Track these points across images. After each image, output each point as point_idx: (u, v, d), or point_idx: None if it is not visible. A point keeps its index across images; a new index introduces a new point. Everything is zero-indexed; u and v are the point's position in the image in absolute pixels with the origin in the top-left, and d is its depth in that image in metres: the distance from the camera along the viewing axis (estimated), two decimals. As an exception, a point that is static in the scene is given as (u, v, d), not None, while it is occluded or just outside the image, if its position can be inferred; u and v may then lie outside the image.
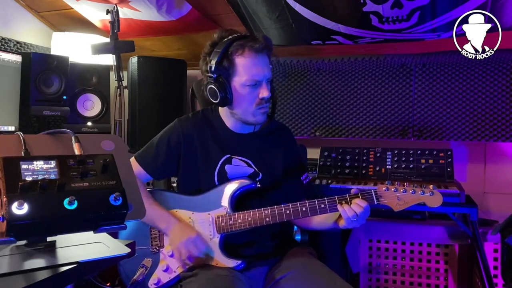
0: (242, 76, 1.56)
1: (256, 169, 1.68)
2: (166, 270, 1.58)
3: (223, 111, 1.71)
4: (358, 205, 1.49)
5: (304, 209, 1.55)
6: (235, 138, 1.70)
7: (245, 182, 1.63)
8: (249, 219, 1.56)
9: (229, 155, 1.67)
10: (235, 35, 1.59)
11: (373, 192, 1.52)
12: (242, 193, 1.63)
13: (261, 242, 1.65)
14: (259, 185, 1.66)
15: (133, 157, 1.70)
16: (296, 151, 1.82)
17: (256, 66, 1.56)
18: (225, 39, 1.58)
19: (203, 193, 1.65)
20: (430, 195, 1.50)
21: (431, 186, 1.51)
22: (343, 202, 1.51)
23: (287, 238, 1.79)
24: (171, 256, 1.60)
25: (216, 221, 1.59)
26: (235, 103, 1.61)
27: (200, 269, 1.55)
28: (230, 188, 1.62)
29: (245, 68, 1.56)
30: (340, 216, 1.54)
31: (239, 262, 1.56)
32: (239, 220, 1.57)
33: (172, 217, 1.62)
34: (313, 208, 1.54)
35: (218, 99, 1.58)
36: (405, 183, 1.54)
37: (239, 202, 1.63)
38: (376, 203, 1.51)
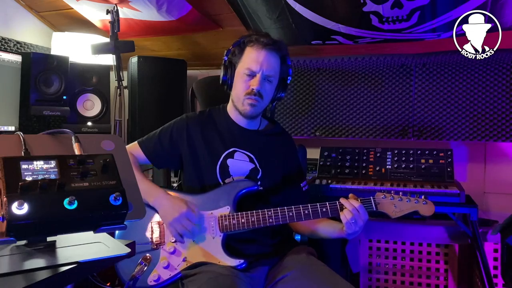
0: (244, 63, 1.67)
1: (258, 165, 1.71)
2: (167, 267, 1.58)
3: (231, 107, 1.76)
4: (351, 204, 1.52)
5: (306, 212, 1.57)
6: (241, 132, 1.74)
7: (249, 183, 1.65)
8: (253, 219, 1.57)
9: (232, 149, 1.71)
10: (262, 33, 1.73)
11: (372, 199, 1.57)
12: (245, 194, 1.64)
13: (261, 240, 1.66)
14: (261, 188, 1.68)
15: (135, 142, 1.77)
16: (296, 159, 1.85)
17: (257, 58, 1.65)
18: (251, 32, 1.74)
19: (206, 192, 1.66)
20: (424, 204, 1.56)
21: (423, 196, 1.58)
22: (344, 207, 1.54)
23: (287, 237, 1.80)
24: (173, 253, 1.60)
25: (219, 220, 1.60)
26: (233, 88, 1.72)
27: (202, 268, 1.55)
28: (233, 188, 1.64)
29: (248, 57, 1.67)
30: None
31: (242, 261, 1.56)
32: (243, 220, 1.58)
33: (161, 191, 1.64)
34: (315, 211, 1.56)
35: (222, 80, 1.73)
36: (402, 188, 1.58)
37: (240, 203, 1.64)
38: (374, 209, 1.57)
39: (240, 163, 1.70)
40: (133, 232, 1.60)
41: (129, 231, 1.59)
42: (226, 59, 1.73)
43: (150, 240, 1.62)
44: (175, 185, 2.78)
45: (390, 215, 1.56)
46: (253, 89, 1.64)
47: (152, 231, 1.63)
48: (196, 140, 1.72)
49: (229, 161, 1.69)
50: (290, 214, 1.57)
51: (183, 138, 1.73)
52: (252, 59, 1.65)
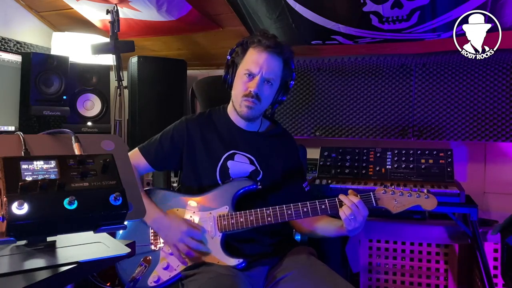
0: (245, 64, 1.66)
1: (258, 167, 1.70)
2: (167, 268, 1.58)
3: (231, 108, 1.75)
4: (350, 200, 1.50)
5: (305, 209, 1.55)
6: (241, 134, 1.73)
7: (247, 182, 1.64)
8: (251, 218, 1.56)
9: (232, 151, 1.70)
10: (267, 34, 1.69)
11: (371, 194, 1.54)
12: (244, 193, 1.63)
13: (261, 240, 1.66)
14: (260, 186, 1.67)
15: (136, 149, 1.75)
16: (298, 160, 1.83)
17: (257, 60, 1.63)
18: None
19: (205, 192, 1.65)
20: (426, 198, 1.53)
21: (425, 190, 1.54)
22: (343, 203, 1.52)
23: (287, 237, 1.79)
24: (172, 254, 1.60)
25: (217, 220, 1.59)
26: (233, 88, 1.71)
27: (202, 268, 1.55)
28: (232, 187, 1.63)
29: (249, 58, 1.66)
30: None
31: (241, 260, 1.56)
32: (241, 219, 1.57)
33: (158, 211, 1.61)
34: (314, 209, 1.55)
35: (222, 79, 1.73)
36: (402, 187, 1.56)
37: (240, 203, 1.64)
38: (374, 205, 1.54)
39: (240, 165, 1.69)
40: (134, 234, 1.59)
41: (129, 233, 1.60)
42: (229, 58, 1.71)
43: (150, 241, 1.62)
44: (175, 185, 2.78)
45: (391, 210, 1.53)
46: (250, 91, 1.62)
47: (151, 232, 1.63)
48: (196, 142, 1.71)
49: (229, 163, 1.69)
50: (289, 212, 1.55)
51: (183, 140, 1.72)
52: (253, 61, 1.64)
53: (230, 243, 1.61)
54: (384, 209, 1.54)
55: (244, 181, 1.65)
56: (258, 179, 1.69)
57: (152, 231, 1.63)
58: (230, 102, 1.75)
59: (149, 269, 1.55)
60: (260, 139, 1.75)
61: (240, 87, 1.66)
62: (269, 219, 1.56)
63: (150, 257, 1.54)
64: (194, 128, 1.73)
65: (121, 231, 1.62)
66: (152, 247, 1.61)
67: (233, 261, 1.56)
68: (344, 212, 1.50)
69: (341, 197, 1.53)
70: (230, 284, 1.43)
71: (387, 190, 1.54)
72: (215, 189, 1.65)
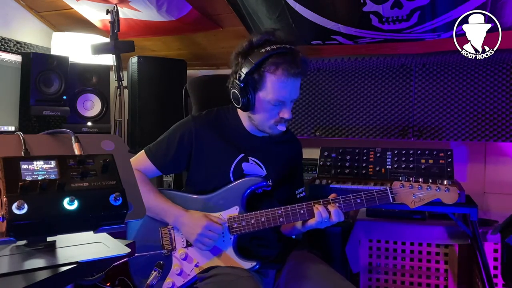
0: (268, 93, 1.53)
1: (267, 174, 1.67)
2: (180, 273, 1.56)
3: (245, 118, 1.68)
4: (327, 210, 1.49)
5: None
6: (251, 139, 1.68)
7: (257, 179, 1.60)
8: (262, 219, 1.53)
9: (244, 155, 1.65)
10: (275, 47, 1.50)
11: (388, 190, 1.48)
12: (253, 192, 1.60)
13: (270, 242, 1.65)
14: (270, 183, 1.62)
15: (142, 151, 1.68)
16: (301, 166, 1.83)
17: (285, 88, 1.52)
18: (263, 50, 1.50)
19: (214, 192, 1.61)
20: (446, 191, 1.46)
21: (446, 182, 1.47)
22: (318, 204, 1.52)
23: (289, 239, 1.79)
24: (185, 259, 1.57)
25: (228, 222, 1.57)
26: (256, 112, 1.59)
27: (216, 270, 1.53)
28: (241, 186, 1.59)
29: (273, 87, 1.52)
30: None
31: (254, 263, 1.53)
32: (252, 221, 1.54)
33: (177, 210, 1.58)
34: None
35: (240, 104, 1.57)
36: (420, 179, 1.50)
37: (248, 202, 1.61)
38: (391, 201, 1.48)
39: (253, 166, 1.65)
40: (143, 238, 1.59)
41: (139, 237, 1.59)
42: (242, 85, 1.53)
43: (161, 247, 1.60)
44: (169, 179, 2.76)
45: (408, 205, 1.47)
46: (284, 118, 1.56)
47: (162, 237, 1.61)
48: (205, 143, 1.64)
49: (244, 165, 1.64)
50: (301, 211, 1.52)
51: (191, 141, 1.64)
52: (279, 90, 1.52)
53: (242, 245, 1.59)
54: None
55: (254, 179, 1.60)
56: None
57: (163, 235, 1.61)
58: (245, 116, 1.66)
59: (163, 275, 1.53)
60: (270, 145, 1.70)
61: (268, 115, 1.57)
62: (281, 219, 1.53)
63: (163, 262, 1.52)
64: (202, 128, 1.65)
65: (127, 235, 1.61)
66: (164, 252, 1.59)
67: (246, 264, 1.54)
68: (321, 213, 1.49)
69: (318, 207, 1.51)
70: (254, 286, 1.42)
71: (405, 184, 1.47)
72: (224, 188, 1.61)
